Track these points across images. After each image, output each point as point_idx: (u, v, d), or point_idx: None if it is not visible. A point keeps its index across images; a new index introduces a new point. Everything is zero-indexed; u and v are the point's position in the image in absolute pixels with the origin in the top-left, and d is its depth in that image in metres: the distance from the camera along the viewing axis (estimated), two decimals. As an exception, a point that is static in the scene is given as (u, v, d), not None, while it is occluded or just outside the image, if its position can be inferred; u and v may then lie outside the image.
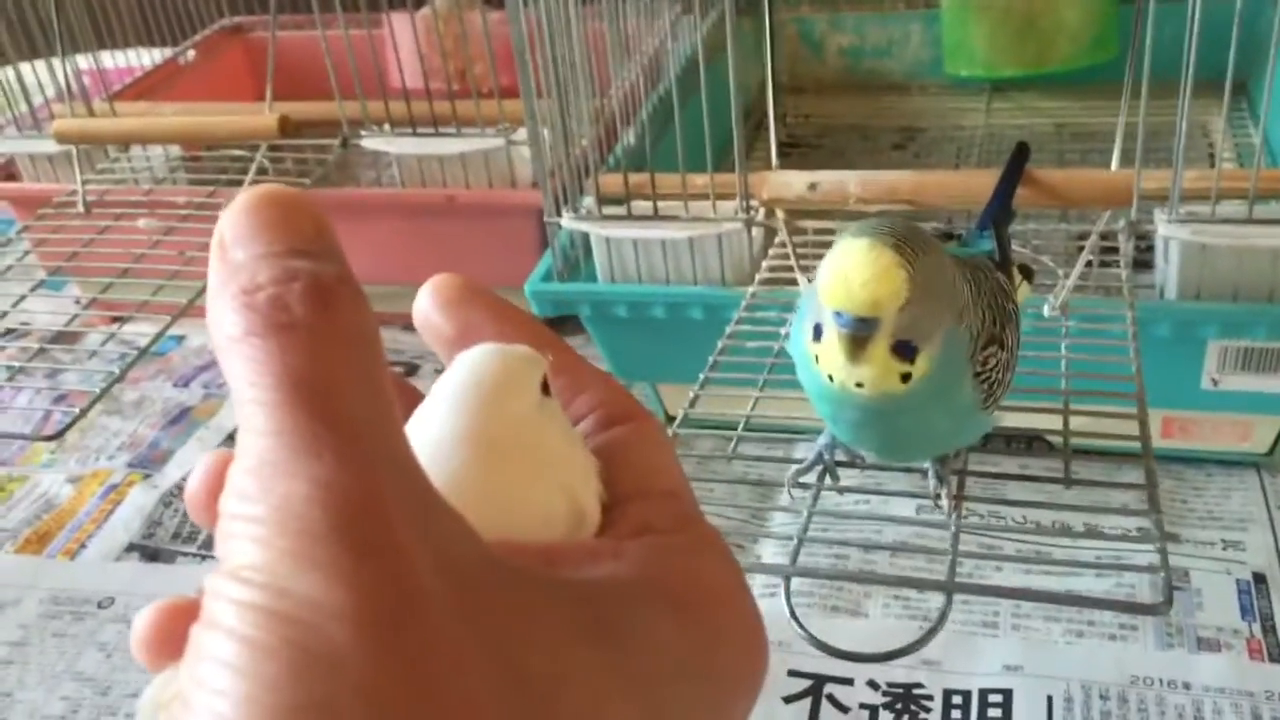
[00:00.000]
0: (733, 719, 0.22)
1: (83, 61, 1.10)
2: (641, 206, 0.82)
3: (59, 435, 0.73)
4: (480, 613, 0.18)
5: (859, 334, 0.44)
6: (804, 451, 0.58)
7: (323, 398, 0.18)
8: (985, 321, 0.49)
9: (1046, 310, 0.68)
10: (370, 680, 0.17)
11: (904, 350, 0.45)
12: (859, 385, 0.46)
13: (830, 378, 0.47)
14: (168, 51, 1.29)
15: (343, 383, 0.19)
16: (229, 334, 0.19)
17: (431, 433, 0.23)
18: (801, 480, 0.56)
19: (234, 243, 0.20)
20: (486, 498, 0.21)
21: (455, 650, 0.18)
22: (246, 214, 0.20)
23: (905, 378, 0.46)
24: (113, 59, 1.22)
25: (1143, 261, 0.86)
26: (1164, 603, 0.46)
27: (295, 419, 0.18)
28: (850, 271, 0.44)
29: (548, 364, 0.24)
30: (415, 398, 0.25)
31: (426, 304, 0.26)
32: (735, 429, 0.61)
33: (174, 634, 0.20)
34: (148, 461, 0.96)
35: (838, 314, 0.45)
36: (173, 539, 0.88)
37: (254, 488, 0.18)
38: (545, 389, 0.24)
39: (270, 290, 0.19)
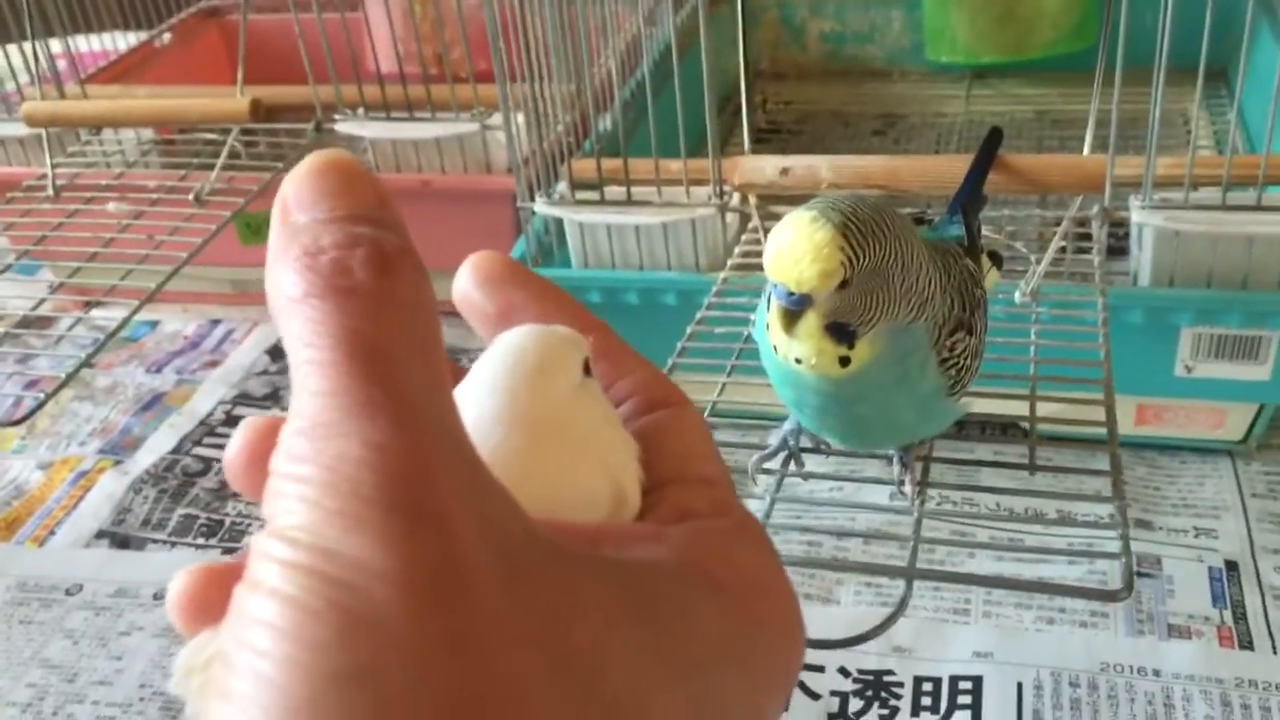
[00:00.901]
0: (766, 711, 0.22)
1: (57, 45, 1.09)
2: (615, 192, 0.82)
3: (21, 421, 0.73)
4: (527, 587, 0.18)
5: (790, 308, 0.44)
6: (772, 438, 0.57)
7: (380, 361, 0.18)
8: (953, 308, 0.48)
9: (1017, 297, 0.67)
10: (415, 645, 0.17)
11: (839, 332, 0.45)
12: (798, 361, 0.46)
13: (773, 346, 0.47)
14: (144, 35, 1.28)
15: (400, 348, 0.19)
16: (289, 294, 0.19)
17: (472, 411, 0.22)
18: (766, 466, 0.55)
19: (296, 206, 0.20)
20: (527, 477, 0.21)
21: (501, 622, 0.17)
22: (310, 178, 0.20)
23: (844, 361, 0.45)
24: (88, 43, 1.21)
25: (1118, 249, 0.85)
26: (1124, 589, 0.46)
27: (351, 380, 0.18)
28: (786, 245, 0.43)
29: (589, 345, 0.24)
30: (458, 374, 0.24)
31: (467, 281, 0.26)
32: (703, 414, 0.61)
33: (210, 599, 0.20)
34: (118, 448, 0.95)
35: (774, 285, 0.44)
36: (142, 526, 0.87)
37: (305, 448, 0.18)
38: (587, 370, 0.24)
39: (333, 254, 0.19)
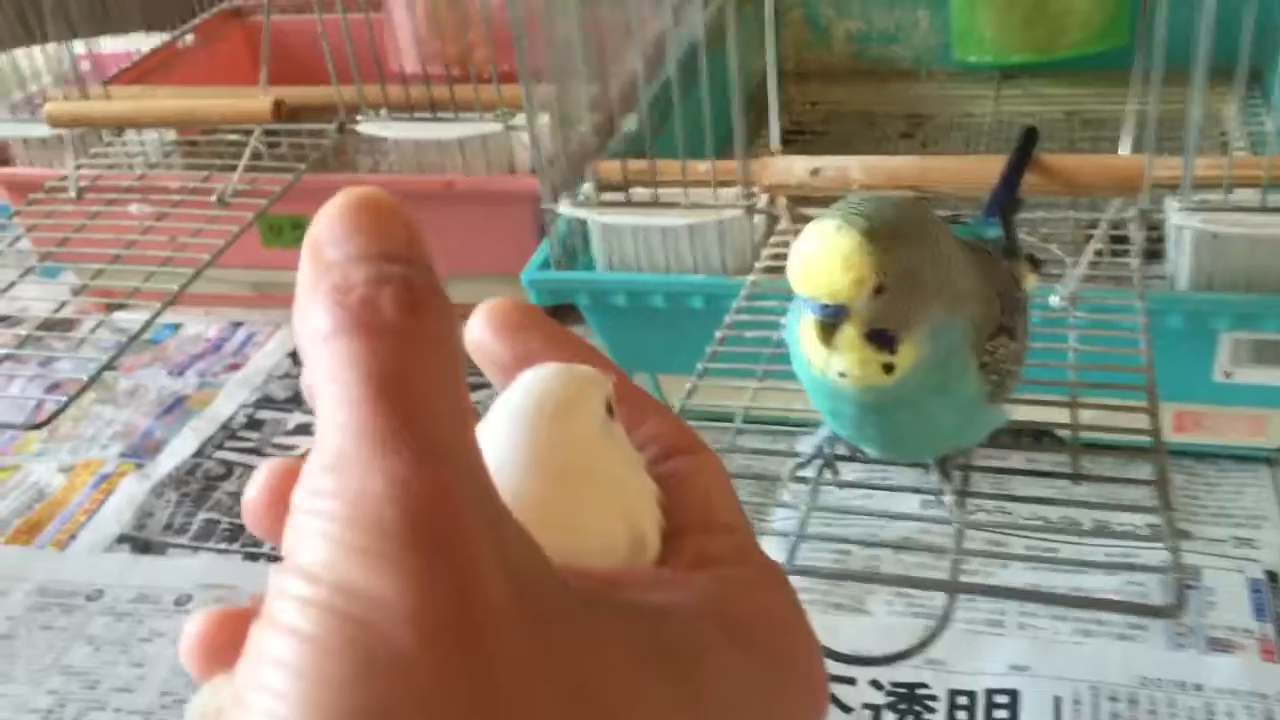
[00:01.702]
0: None
1: (80, 47, 1.08)
2: (641, 194, 0.80)
3: (44, 425, 0.72)
4: (548, 632, 0.18)
5: (826, 320, 0.43)
6: (806, 445, 0.56)
7: (405, 398, 0.18)
8: (993, 311, 0.47)
9: (1054, 301, 0.66)
10: (433, 689, 0.17)
11: (881, 339, 0.43)
12: (841, 375, 0.45)
13: (810, 362, 0.45)
14: (167, 36, 1.27)
15: (426, 386, 0.18)
16: (317, 330, 0.19)
17: (492, 451, 0.22)
18: (800, 474, 0.54)
19: (328, 242, 0.20)
20: (546, 519, 0.21)
21: (522, 668, 0.17)
22: (342, 216, 0.20)
23: (889, 369, 0.44)
24: (112, 44, 1.20)
25: (1152, 252, 0.84)
26: (1175, 605, 0.44)
27: (376, 416, 0.18)
28: (812, 256, 0.42)
29: (612, 386, 0.24)
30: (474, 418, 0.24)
31: (481, 329, 0.26)
32: (734, 421, 0.59)
33: (224, 643, 0.20)
34: (140, 451, 0.95)
35: (805, 298, 0.43)
36: (164, 530, 0.86)
37: (328, 483, 0.18)
38: (610, 411, 0.23)
39: (362, 291, 0.19)
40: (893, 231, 0.42)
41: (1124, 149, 0.70)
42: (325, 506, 0.18)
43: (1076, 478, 0.52)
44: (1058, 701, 0.67)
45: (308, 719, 0.16)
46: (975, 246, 0.48)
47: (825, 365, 0.45)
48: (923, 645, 0.45)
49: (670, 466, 0.24)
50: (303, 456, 0.20)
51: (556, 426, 0.22)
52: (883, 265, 0.41)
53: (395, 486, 0.17)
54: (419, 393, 0.18)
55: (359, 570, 0.17)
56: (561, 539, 0.20)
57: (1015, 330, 0.48)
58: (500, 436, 0.22)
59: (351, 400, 0.18)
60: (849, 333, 0.43)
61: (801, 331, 0.45)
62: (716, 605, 0.21)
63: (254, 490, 0.23)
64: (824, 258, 0.42)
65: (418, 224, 0.20)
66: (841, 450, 0.54)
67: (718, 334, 0.67)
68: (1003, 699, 0.67)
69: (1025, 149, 0.65)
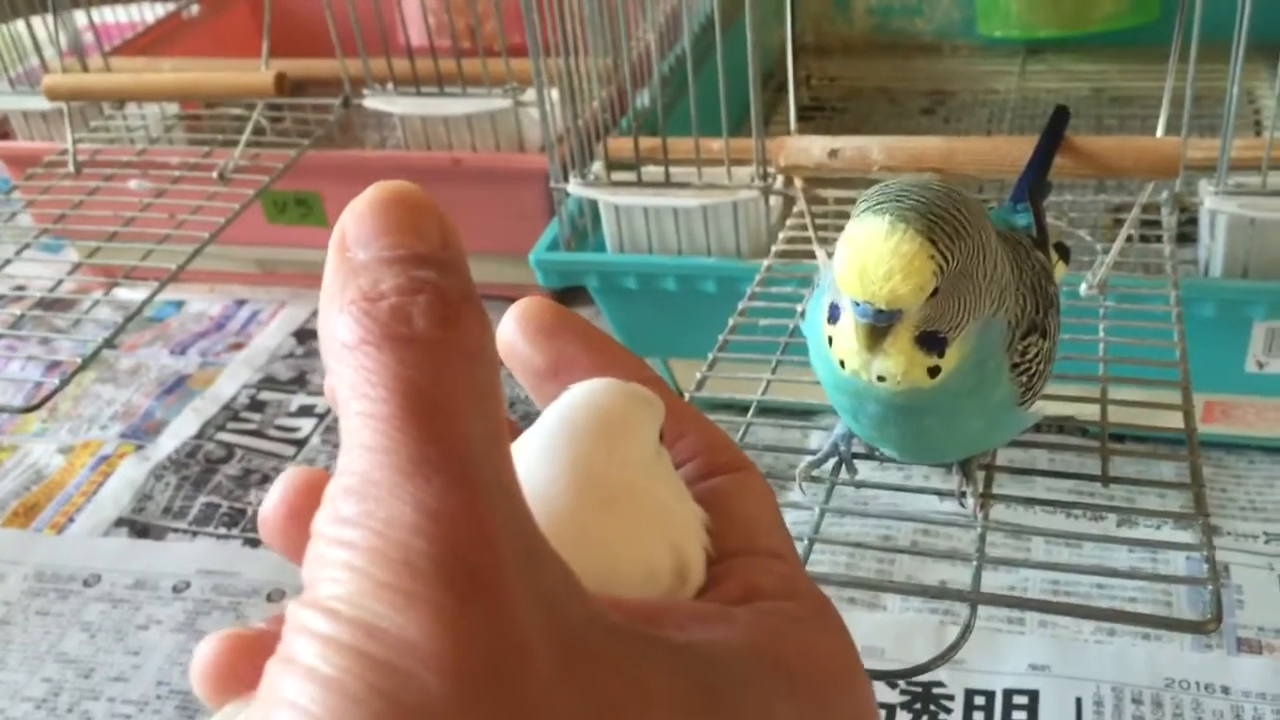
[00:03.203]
0: None
1: (83, 18, 1.06)
2: (653, 173, 0.78)
3: (40, 405, 0.70)
4: (585, 675, 0.17)
5: (878, 324, 0.40)
6: (819, 441, 0.54)
7: (437, 418, 0.17)
8: (1026, 307, 0.44)
9: (1083, 289, 0.63)
10: None
11: (930, 342, 0.41)
12: (881, 380, 0.42)
13: (842, 364, 0.42)
14: (171, 6, 1.25)
15: (459, 404, 0.17)
16: (342, 340, 0.18)
17: (538, 468, 0.21)
18: (814, 474, 0.51)
19: (356, 241, 0.18)
20: (590, 545, 0.20)
21: (557, 716, 0.16)
22: (372, 212, 0.18)
23: (933, 371, 0.41)
24: (115, 15, 1.18)
25: (1183, 236, 0.81)
26: (1211, 619, 0.42)
27: (406, 437, 0.17)
28: (870, 260, 0.38)
29: (664, 409, 0.23)
30: (514, 430, 0.23)
31: (513, 331, 0.24)
32: (747, 411, 0.57)
33: (236, 669, 0.19)
34: (140, 432, 0.93)
35: (855, 302, 0.40)
36: (163, 514, 0.84)
37: (353, 510, 0.17)
38: (660, 436, 0.22)
39: (393, 300, 0.18)
40: (949, 230, 0.39)
41: (1160, 129, 0.67)
42: (349, 536, 0.16)
43: (1106, 480, 0.49)
44: (1079, 703, 0.64)
45: None
46: (1006, 236, 0.45)
47: (864, 368, 0.42)
48: (943, 658, 0.43)
49: (714, 485, 0.23)
50: (323, 471, 0.19)
51: (611, 448, 0.21)
52: (941, 268, 0.39)
53: (425, 517, 0.16)
54: (452, 412, 0.17)
55: (386, 609, 0.16)
56: (600, 567, 0.19)
57: (1047, 329, 0.45)
58: (548, 452, 0.21)
59: (378, 419, 0.17)
60: (902, 336, 0.40)
61: (835, 330, 0.42)
62: (765, 643, 0.20)
63: (271, 504, 0.21)
64: (883, 261, 0.39)
65: (453, 222, 0.19)
66: (858, 447, 0.52)
67: (731, 320, 0.64)
68: (1022, 699, 0.65)
69: (1056, 130, 0.62)
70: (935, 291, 0.39)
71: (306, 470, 0.21)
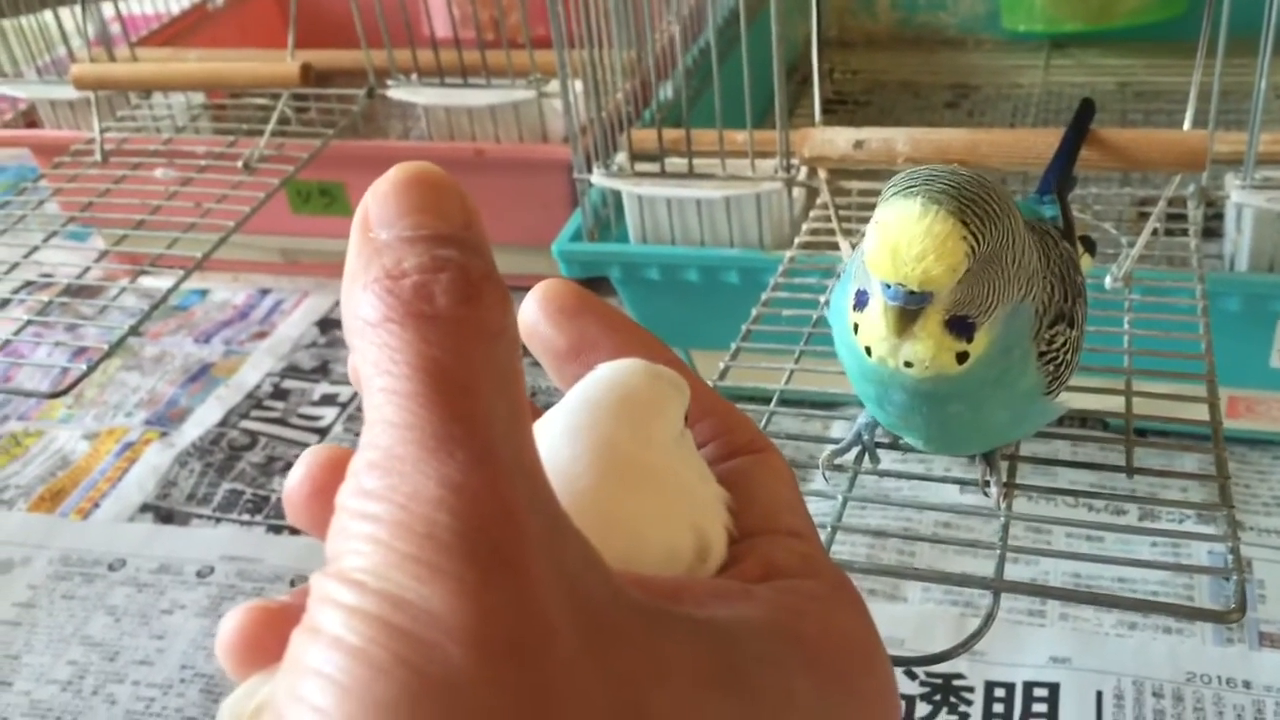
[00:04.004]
0: None
1: (110, 9, 1.07)
2: (676, 164, 0.78)
3: (66, 391, 0.70)
4: (606, 649, 0.17)
5: (909, 307, 0.40)
6: (841, 431, 0.54)
7: (460, 394, 0.17)
8: (1053, 295, 0.44)
9: (1108, 282, 0.63)
10: (489, 714, 0.15)
11: (960, 327, 0.40)
12: (908, 365, 0.42)
13: (869, 351, 0.42)
14: (197, -3, 1.25)
15: (481, 381, 0.17)
16: (365, 317, 0.18)
17: (562, 446, 0.21)
18: (837, 463, 0.51)
19: (379, 221, 0.19)
20: (612, 523, 0.20)
21: (581, 691, 0.16)
22: (394, 192, 0.19)
23: (961, 357, 0.41)
24: (141, 6, 1.18)
25: (1209, 231, 0.80)
26: (1235, 610, 0.42)
27: (429, 413, 0.17)
28: (902, 241, 0.38)
29: (689, 392, 0.23)
30: (533, 413, 0.23)
31: (535, 312, 0.24)
32: (769, 402, 0.57)
33: (262, 641, 0.20)
34: (165, 419, 0.94)
35: (886, 285, 0.40)
36: (187, 500, 0.85)
37: (377, 484, 0.17)
38: (685, 418, 0.23)
39: (416, 277, 0.18)
40: (980, 212, 0.39)
41: (1188, 123, 0.67)
42: (373, 509, 0.17)
43: (1130, 471, 0.49)
44: (1099, 696, 0.64)
45: None
46: (1033, 225, 0.45)
47: (891, 354, 0.42)
48: (964, 645, 0.43)
49: (734, 465, 0.23)
50: (347, 448, 0.19)
51: (637, 428, 0.21)
52: (973, 250, 0.39)
53: (449, 491, 0.16)
54: (475, 389, 0.17)
55: (410, 581, 0.16)
56: (623, 545, 0.20)
57: (1075, 318, 0.45)
58: (573, 432, 0.21)
59: (402, 395, 0.17)
60: (931, 320, 0.40)
61: (862, 317, 0.42)
62: (785, 622, 0.20)
63: (294, 481, 0.21)
64: (916, 242, 0.39)
65: (474, 203, 0.19)
66: (881, 436, 0.52)
67: (754, 311, 0.64)
68: (1042, 692, 0.65)
69: (1082, 122, 0.61)
70: (967, 274, 0.39)
71: (330, 447, 0.21)
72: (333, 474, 0.20)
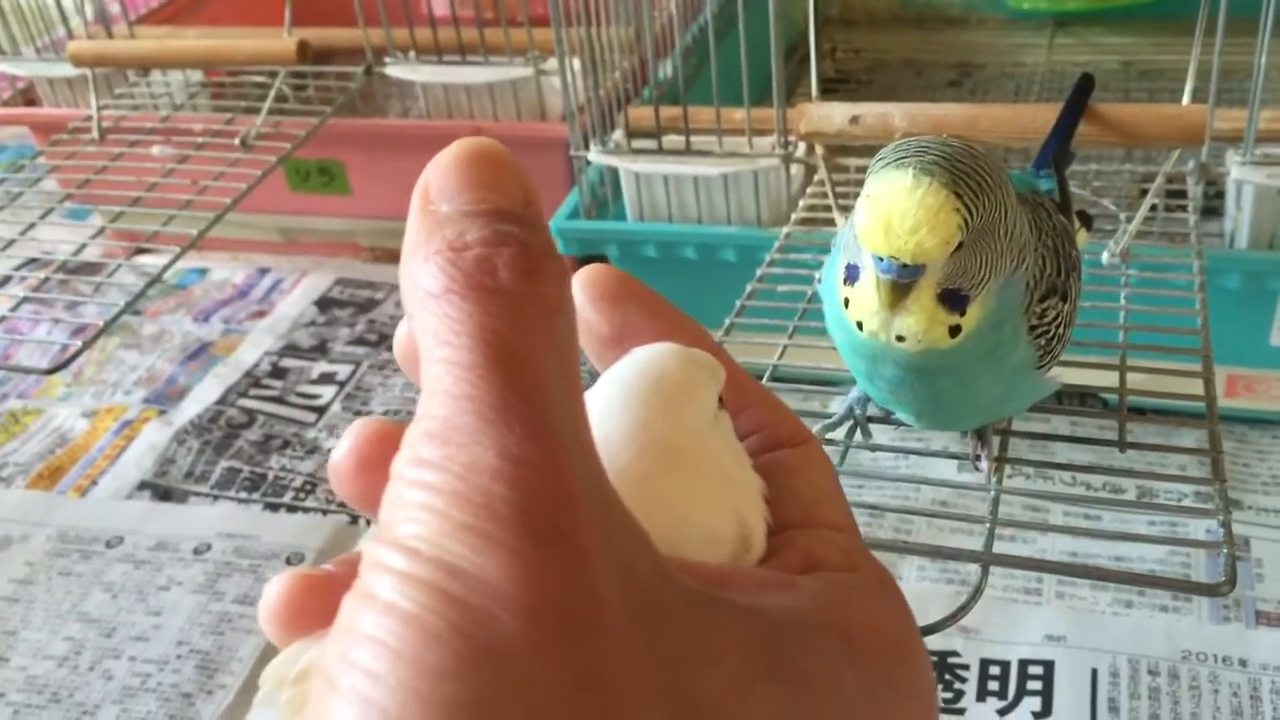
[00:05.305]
0: None
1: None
2: (674, 141, 0.78)
3: (63, 367, 0.70)
4: (658, 631, 0.17)
5: (901, 280, 0.39)
6: (837, 408, 0.53)
7: (520, 367, 0.17)
8: (1046, 269, 0.44)
9: (1105, 257, 0.62)
10: (541, 686, 0.15)
11: (953, 300, 0.40)
12: (900, 339, 0.41)
13: (860, 325, 0.42)
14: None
15: (541, 356, 0.18)
16: (427, 289, 0.18)
17: (597, 428, 0.21)
18: (829, 437, 0.51)
19: (440, 195, 0.19)
20: (653, 506, 0.20)
21: (632, 669, 0.16)
22: (456, 166, 0.19)
23: (954, 331, 0.41)
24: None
25: (1210, 209, 0.80)
26: (1225, 583, 0.41)
27: (489, 384, 0.17)
28: (894, 213, 0.38)
29: (724, 375, 0.23)
30: None
31: (579, 297, 0.24)
32: (762, 378, 0.57)
33: (306, 607, 0.20)
34: (163, 398, 0.94)
35: (878, 258, 0.40)
36: (185, 478, 0.85)
37: (435, 453, 0.17)
38: (720, 403, 0.23)
39: (478, 251, 0.18)
40: (974, 183, 0.39)
41: (1186, 98, 0.66)
42: (430, 478, 0.17)
43: (1123, 445, 0.49)
44: (1094, 674, 0.64)
45: (407, 709, 0.15)
46: (1026, 198, 0.44)
47: (883, 328, 0.41)
48: (953, 618, 0.43)
49: (776, 457, 0.23)
50: (394, 420, 0.19)
51: (670, 411, 0.21)
52: (966, 222, 0.38)
53: (508, 463, 0.16)
54: (534, 364, 0.17)
55: (466, 550, 0.16)
56: (666, 528, 0.19)
57: (1068, 292, 0.45)
58: (608, 414, 0.21)
59: (462, 366, 0.17)
60: (924, 293, 0.40)
61: (853, 291, 0.42)
62: (831, 613, 0.20)
63: (341, 453, 0.21)
64: (909, 214, 0.38)
65: (532, 180, 0.19)
66: (874, 411, 0.51)
67: (749, 287, 0.64)
68: (1037, 669, 0.65)
69: (1080, 97, 0.61)
70: (959, 246, 0.39)
71: (376, 420, 0.21)
72: (379, 447, 0.20)
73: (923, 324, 0.40)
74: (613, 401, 0.22)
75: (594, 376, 0.23)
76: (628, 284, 0.24)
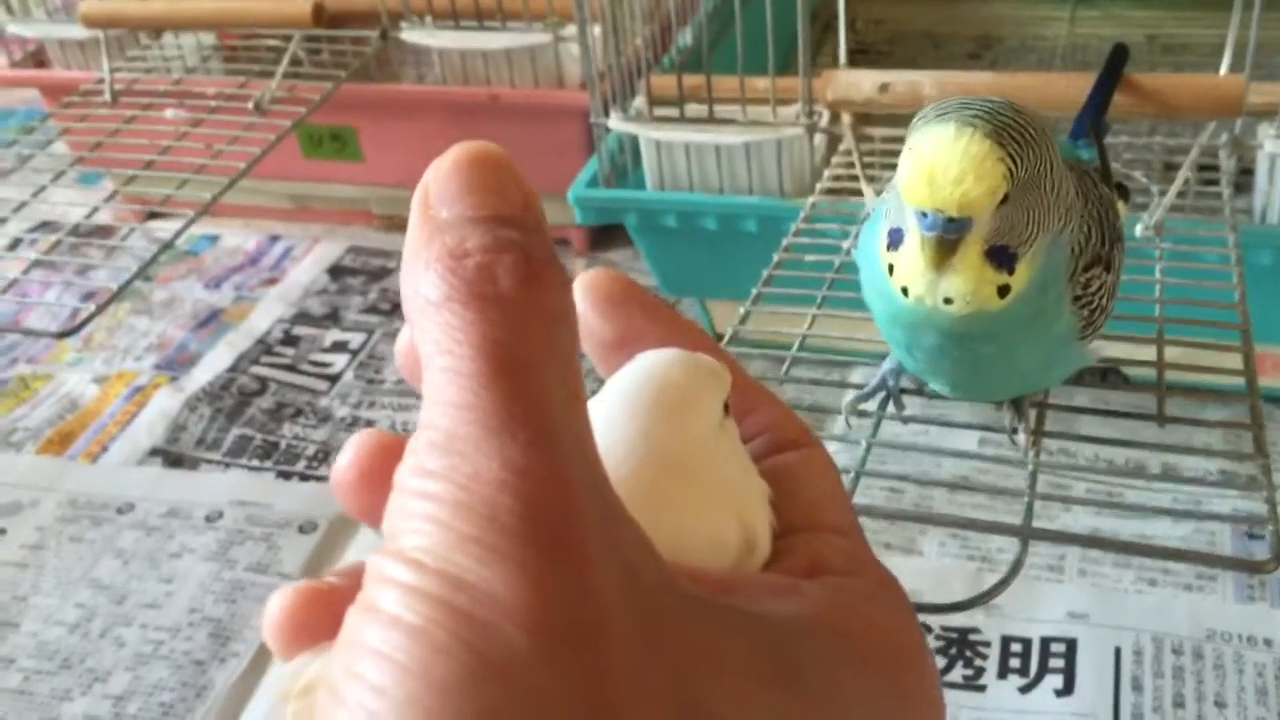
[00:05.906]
0: None
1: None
2: (696, 110, 0.76)
3: (74, 331, 0.70)
4: (662, 639, 0.17)
5: (947, 236, 0.38)
6: (861, 377, 0.53)
7: (522, 376, 0.17)
8: (1091, 238, 0.43)
9: (1139, 230, 0.61)
10: (547, 699, 0.16)
11: (1001, 257, 0.39)
12: (948, 302, 0.40)
13: (905, 291, 0.41)
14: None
15: (543, 364, 0.17)
16: (427, 297, 0.18)
17: (603, 433, 0.21)
18: (861, 408, 0.50)
19: (440, 199, 0.19)
20: (657, 513, 0.20)
21: (638, 679, 0.16)
22: (457, 171, 0.19)
23: (1003, 291, 0.40)
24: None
25: (1238, 185, 0.79)
26: (1271, 559, 0.41)
27: (491, 394, 0.17)
28: (938, 164, 0.37)
29: (730, 381, 0.23)
30: None
31: (582, 303, 0.24)
32: (789, 349, 0.56)
33: (310, 620, 0.20)
34: (175, 364, 0.93)
35: (922, 214, 0.38)
36: (196, 445, 0.84)
37: (438, 463, 0.17)
38: (726, 409, 0.22)
39: (479, 258, 0.18)
40: (1018, 134, 0.38)
41: (1224, 69, 0.65)
42: (433, 489, 0.17)
43: (1162, 420, 0.48)
44: (1118, 652, 0.64)
45: None
46: (1072, 165, 0.43)
47: (929, 292, 0.40)
48: (990, 594, 0.42)
49: (780, 461, 0.23)
50: (394, 433, 0.20)
51: (675, 418, 0.21)
52: (1011, 171, 0.37)
53: (512, 473, 0.16)
54: (536, 372, 0.17)
55: (469, 561, 0.16)
56: (670, 535, 0.19)
57: (1112, 262, 0.44)
58: (612, 422, 0.21)
59: (464, 375, 0.17)
60: (972, 250, 0.39)
61: (897, 256, 0.41)
62: (835, 619, 0.20)
63: (342, 465, 0.21)
64: (953, 165, 0.37)
65: (530, 186, 0.19)
66: (907, 382, 0.51)
67: (775, 257, 0.63)
68: (1059, 647, 0.64)
69: (1115, 67, 0.60)
70: (1005, 199, 0.38)
71: (378, 432, 0.21)
72: (381, 459, 0.20)
73: (971, 284, 0.39)
74: (617, 409, 0.21)
75: (599, 381, 0.23)
76: (629, 288, 0.24)
